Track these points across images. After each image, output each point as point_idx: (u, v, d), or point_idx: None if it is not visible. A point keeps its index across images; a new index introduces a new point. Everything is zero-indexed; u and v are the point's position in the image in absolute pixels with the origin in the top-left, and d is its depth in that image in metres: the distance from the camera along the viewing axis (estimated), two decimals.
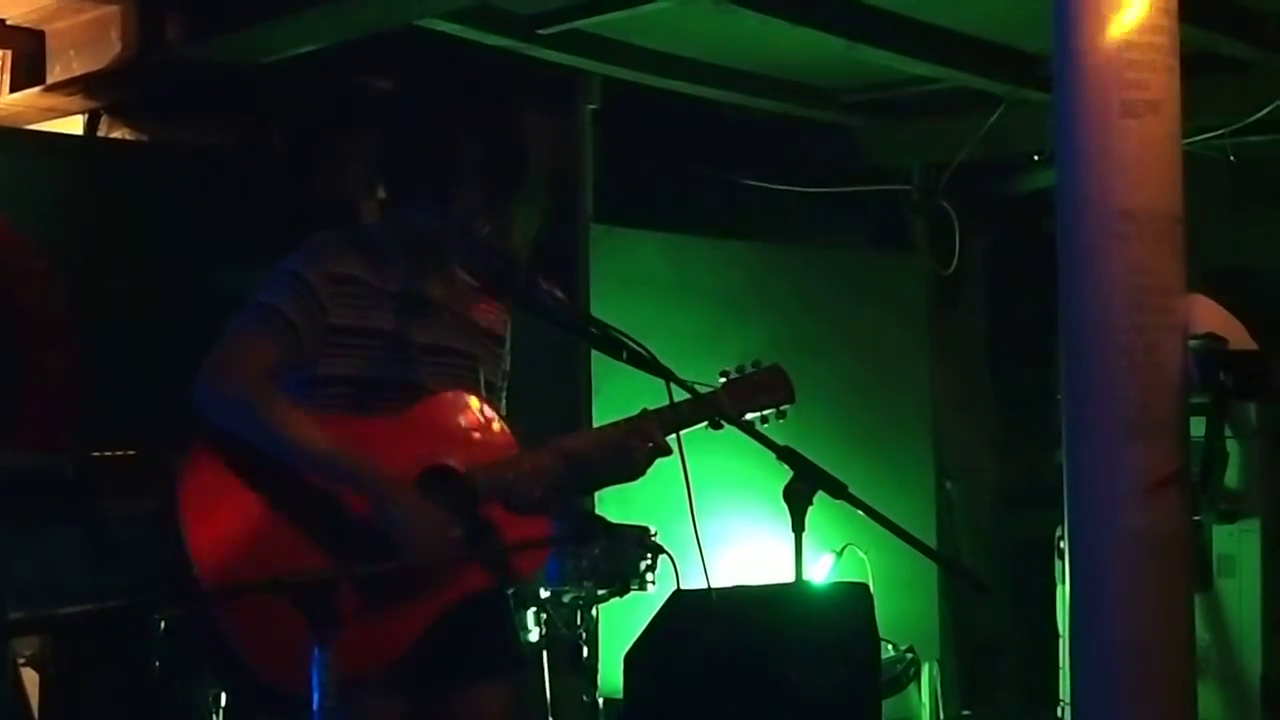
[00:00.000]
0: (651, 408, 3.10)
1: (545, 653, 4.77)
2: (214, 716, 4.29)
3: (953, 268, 6.56)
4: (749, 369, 3.30)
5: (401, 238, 3.05)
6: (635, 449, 3.07)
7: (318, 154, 5.57)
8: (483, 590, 2.98)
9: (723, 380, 3.26)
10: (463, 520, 2.93)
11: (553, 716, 4.85)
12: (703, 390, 3.09)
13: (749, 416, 3.22)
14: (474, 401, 3.06)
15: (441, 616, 2.90)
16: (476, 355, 3.12)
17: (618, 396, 4.17)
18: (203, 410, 2.87)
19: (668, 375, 2.88)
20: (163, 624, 4.28)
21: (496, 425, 3.07)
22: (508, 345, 3.23)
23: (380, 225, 3.13)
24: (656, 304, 5.57)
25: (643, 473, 3.10)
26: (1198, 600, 3.78)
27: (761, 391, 3.27)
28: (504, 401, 3.22)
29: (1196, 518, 3.77)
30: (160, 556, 2.81)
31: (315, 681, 2.34)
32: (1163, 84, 3.54)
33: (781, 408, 3.29)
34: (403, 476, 2.90)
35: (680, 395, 2.99)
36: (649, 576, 4.60)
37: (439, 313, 3.07)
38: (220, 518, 2.81)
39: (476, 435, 3.03)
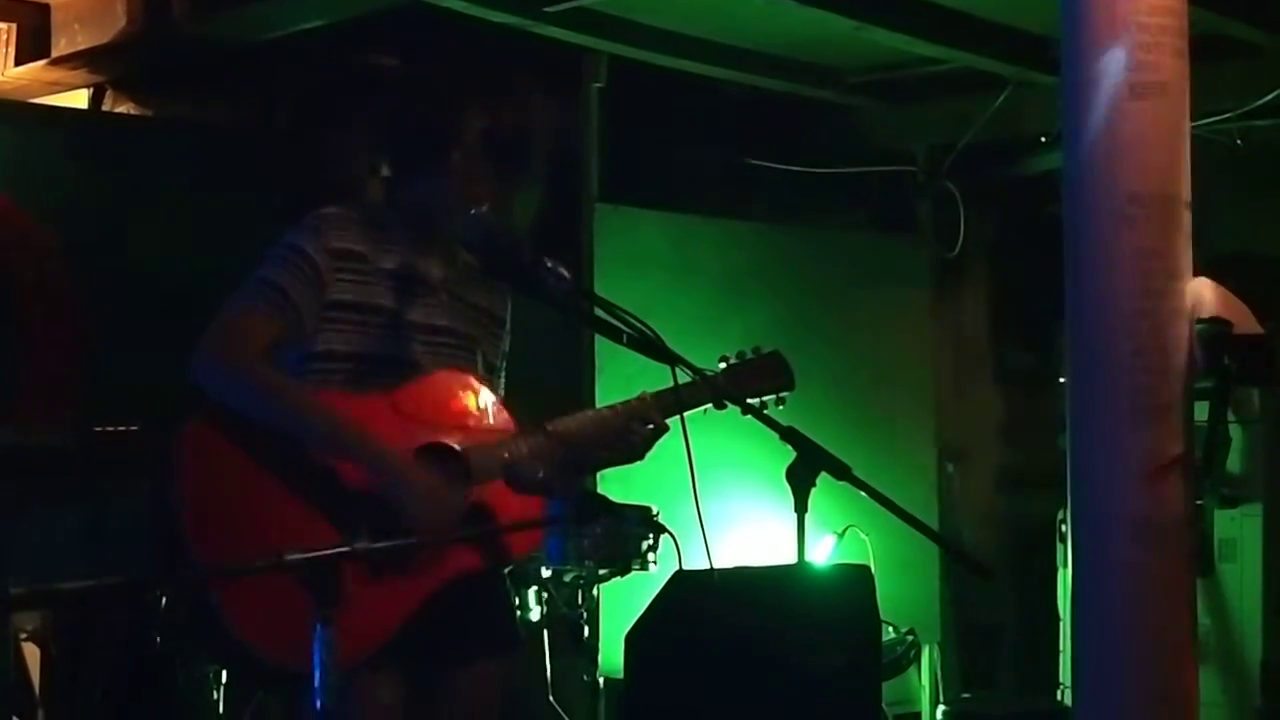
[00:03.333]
0: (651, 390, 3.09)
1: (546, 632, 4.77)
2: (214, 692, 4.30)
3: (957, 250, 6.54)
4: (749, 354, 3.29)
5: (404, 215, 3.05)
6: (634, 431, 3.07)
7: (322, 131, 5.56)
8: (475, 570, 2.97)
9: (722, 365, 3.25)
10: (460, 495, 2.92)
11: (553, 696, 4.86)
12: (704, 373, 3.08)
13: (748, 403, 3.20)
14: (471, 382, 3.05)
15: (433, 596, 2.90)
16: (475, 336, 3.12)
17: (620, 377, 4.17)
18: (201, 385, 2.86)
19: (671, 359, 2.87)
20: (163, 600, 4.29)
21: (494, 406, 3.07)
22: (508, 326, 3.23)
23: (383, 203, 3.13)
24: (660, 284, 5.56)
25: (642, 455, 3.10)
26: (1199, 585, 3.77)
27: (761, 377, 3.27)
28: (503, 382, 3.21)
29: (1199, 502, 3.75)
30: (158, 532, 2.81)
31: (317, 659, 2.33)
32: (1171, 67, 3.52)
33: (781, 394, 3.29)
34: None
35: (681, 377, 2.98)
36: (650, 556, 4.60)
37: (438, 292, 3.06)
38: (218, 493, 2.81)
39: (473, 415, 3.02)
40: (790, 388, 3.30)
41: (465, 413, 3.02)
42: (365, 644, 2.81)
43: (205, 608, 2.75)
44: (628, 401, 3.12)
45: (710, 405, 3.13)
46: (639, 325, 2.86)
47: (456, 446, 2.96)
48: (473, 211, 2.96)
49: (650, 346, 2.84)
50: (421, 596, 2.89)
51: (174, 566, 2.83)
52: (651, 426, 3.07)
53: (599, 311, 2.90)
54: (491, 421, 3.04)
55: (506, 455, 2.97)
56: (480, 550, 2.98)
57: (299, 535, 2.78)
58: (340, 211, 3.03)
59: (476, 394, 3.05)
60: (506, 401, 3.12)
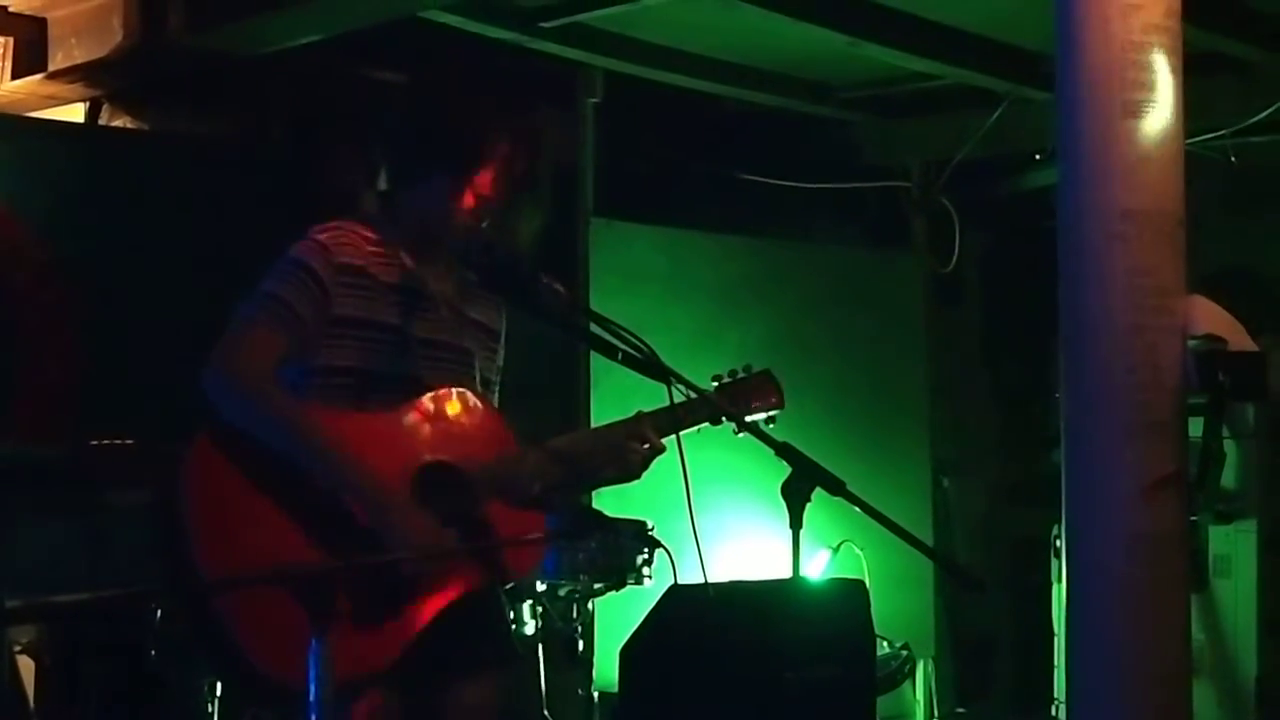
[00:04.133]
0: (647, 409, 3.10)
1: (541, 646, 4.77)
2: (209, 705, 4.29)
3: (951, 266, 6.56)
4: (740, 374, 3.29)
5: (403, 229, 3.05)
6: (632, 450, 3.06)
7: (319, 145, 5.57)
8: (477, 589, 2.98)
9: (714, 384, 3.26)
10: (458, 519, 2.93)
11: (548, 710, 4.86)
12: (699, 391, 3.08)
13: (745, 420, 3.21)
14: (472, 398, 3.06)
15: (437, 617, 2.90)
16: (472, 350, 3.12)
17: (616, 391, 4.17)
18: (212, 399, 2.87)
19: (665, 378, 2.87)
20: (159, 613, 4.29)
21: (494, 422, 3.07)
22: (503, 340, 3.23)
23: (382, 216, 3.13)
24: (655, 299, 5.57)
25: (639, 475, 3.09)
26: (1193, 600, 3.79)
27: (753, 396, 3.27)
28: (498, 396, 3.22)
29: (1193, 518, 3.76)
30: (160, 546, 2.80)
31: (312, 674, 2.34)
32: (1165, 84, 3.53)
33: (772, 413, 3.29)
34: (400, 478, 2.90)
35: (675, 394, 2.98)
36: (646, 571, 4.60)
37: (438, 306, 3.07)
38: (223, 509, 2.81)
39: (475, 432, 3.02)
40: (781, 406, 3.31)
41: (467, 430, 3.02)
42: (368, 667, 2.81)
43: (211, 622, 2.75)
44: (625, 421, 3.12)
45: (706, 423, 3.14)
46: (634, 341, 2.87)
47: (457, 464, 2.96)
48: (475, 225, 2.97)
49: (644, 364, 2.84)
50: (426, 620, 2.89)
51: (174, 580, 2.82)
52: (648, 446, 3.07)
53: (594, 328, 2.91)
54: (492, 439, 3.04)
55: (507, 473, 2.98)
56: (480, 568, 2.98)
57: (300, 555, 2.79)
58: (343, 226, 3.03)
59: (477, 411, 3.05)
60: (503, 416, 3.13)
